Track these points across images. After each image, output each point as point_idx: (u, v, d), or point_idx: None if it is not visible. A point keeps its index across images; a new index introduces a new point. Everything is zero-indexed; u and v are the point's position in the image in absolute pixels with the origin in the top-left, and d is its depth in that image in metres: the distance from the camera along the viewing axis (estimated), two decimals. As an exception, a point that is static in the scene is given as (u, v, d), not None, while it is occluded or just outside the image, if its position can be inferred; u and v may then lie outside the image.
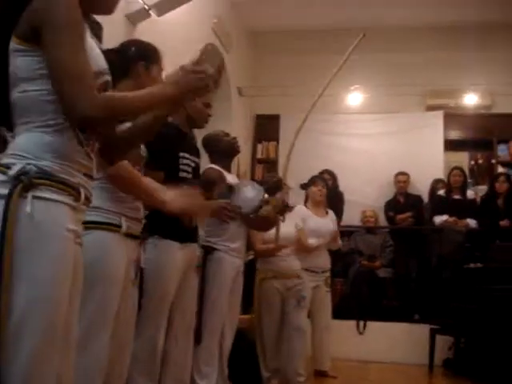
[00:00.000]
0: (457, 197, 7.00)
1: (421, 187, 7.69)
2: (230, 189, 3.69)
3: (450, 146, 8.04)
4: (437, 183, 7.47)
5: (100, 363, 2.21)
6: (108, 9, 1.78)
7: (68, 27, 1.50)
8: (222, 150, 4.00)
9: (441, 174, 7.66)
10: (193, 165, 3.22)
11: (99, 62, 1.68)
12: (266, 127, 8.51)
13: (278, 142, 8.41)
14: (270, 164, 8.45)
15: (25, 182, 1.47)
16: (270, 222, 4.17)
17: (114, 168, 2.12)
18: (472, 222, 6.84)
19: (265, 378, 4.55)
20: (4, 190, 1.47)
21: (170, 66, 2.63)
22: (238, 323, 4.17)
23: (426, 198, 7.59)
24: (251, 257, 5.89)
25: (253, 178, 8.35)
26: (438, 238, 6.79)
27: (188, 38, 5.41)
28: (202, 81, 1.71)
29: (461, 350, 5.73)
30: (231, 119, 7.11)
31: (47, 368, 1.47)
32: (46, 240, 1.48)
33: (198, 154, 3.36)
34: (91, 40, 1.66)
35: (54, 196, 1.52)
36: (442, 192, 7.21)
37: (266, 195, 3.93)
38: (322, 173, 6.72)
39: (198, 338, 3.64)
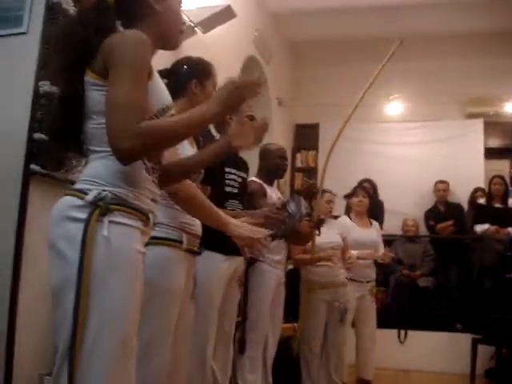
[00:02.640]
0: (498, 205, 6.95)
1: (461, 196, 7.65)
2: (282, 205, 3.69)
3: (491, 154, 7.98)
4: (477, 192, 7.42)
5: (159, 377, 2.26)
6: (175, 45, 1.87)
7: (128, 63, 1.56)
8: (267, 168, 4.08)
9: (481, 182, 7.60)
10: (239, 180, 3.27)
11: (165, 97, 1.76)
12: (306, 136, 8.58)
13: (317, 151, 8.48)
14: (310, 173, 8.51)
15: (102, 207, 1.56)
16: (305, 237, 4.21)
17: (184, 189, 2.21)
18: (514, 231, 6.77)
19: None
20: (82, 215, 1.55)
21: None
22: (280, 332, 4.25)
23: (466, 206, 7.54)
24: (291, 266, 5.95)
25: (292, 187, 8.43)
26: (480, 247, 6.72)
27: (231, 51, 5.55)
28: (245, 93, 1.69)
29: (503, 360, 5.70)
30: (271, 129, 7.16)
31: None
32: (122, 263, 1.56)
33: (245, 169, 3.41)
34: (157, 76, 1.75)
35: (128, 221, 1.61)
36: (482, 200, 7.17)
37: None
38: (361, 182, 6.75)
39: (241, 348, 3.73)
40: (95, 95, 1.64)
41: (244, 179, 3.35)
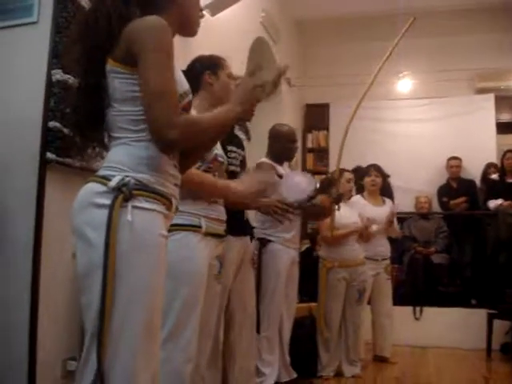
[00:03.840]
0: (511, 180, 6.93)
1: (473, 171, 7.63)
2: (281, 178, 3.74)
3: (503, 128, 7.94)
4: (489, 167, 7.40)
5: (188, 355, 2.37)
6: (194, 31, 1.90)
7: (158, 50, 1.59)
8: (277, 151, 4.10)
9: (493, 157, 7.59)
10: (240, 158, 3.26)
11: (183, 83, 1.79)
12: (316, 116, 8.58)
13: (328, 131, 8.48)
14: (321, 153, 8.52)
15: (125, 193, 1.59)
16: (324, 212, 4.25)
17: (190, 176, 2.24)
18: (527, 205, 6.73)
19: (324, 365, 4.65)
20: (106, 201, 1.59)
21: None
22: (295, 313, 4.28)
23: (478, 182, 7.53)
24: (307, 245, 5.99)
25: (304, 168, 8.43)
26: (493, 222, 6.72)
27: (239, 33, 5.52)
28: (262, 92, 1.78)
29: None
30: (281, 110, 7.15)
31: (145, 368, 1.58)
32: (145, 247, 1.60)
33: (243, 147, 3.38)
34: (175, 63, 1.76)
35: (151, 205, 1.64)
36: (495, 176, 7.15)
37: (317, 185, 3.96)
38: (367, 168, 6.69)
39: (256, 328, 3.76)
40: (115, 83, 1.66)
41: (244, 157, 3.33)
